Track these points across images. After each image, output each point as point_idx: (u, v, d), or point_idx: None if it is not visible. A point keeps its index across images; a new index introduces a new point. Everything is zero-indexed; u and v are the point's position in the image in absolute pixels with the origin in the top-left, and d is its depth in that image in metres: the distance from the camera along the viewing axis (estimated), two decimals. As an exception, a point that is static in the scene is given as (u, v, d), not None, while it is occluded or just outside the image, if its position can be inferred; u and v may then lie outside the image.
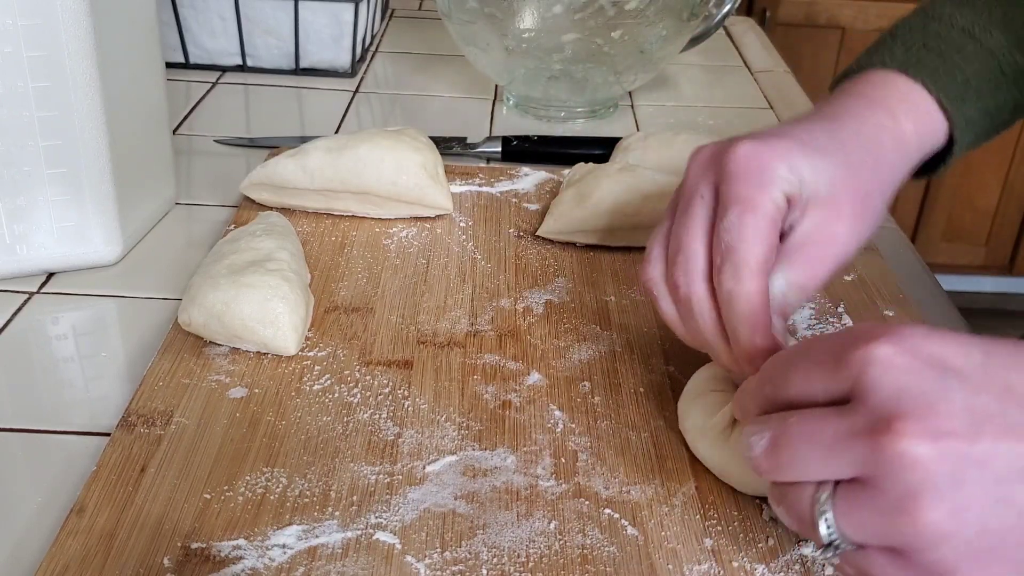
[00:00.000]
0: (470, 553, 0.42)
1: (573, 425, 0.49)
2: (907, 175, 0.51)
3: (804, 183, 0.45)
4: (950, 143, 0.53)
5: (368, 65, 1.02)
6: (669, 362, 0.54)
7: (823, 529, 0.35)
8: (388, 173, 0.65)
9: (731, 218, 0.44)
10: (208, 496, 0.44)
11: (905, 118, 0.50)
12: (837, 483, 0.35)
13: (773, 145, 0.45)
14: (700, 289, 0.45)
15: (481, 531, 0.43)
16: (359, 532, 0.42)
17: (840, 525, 0.35)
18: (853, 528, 0.35)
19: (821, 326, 0.58)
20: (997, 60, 0.53)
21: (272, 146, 0.80)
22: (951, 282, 2.46)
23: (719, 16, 0.92)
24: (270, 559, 0.41)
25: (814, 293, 0.46)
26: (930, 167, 0.54)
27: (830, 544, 0.35)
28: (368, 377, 0.52)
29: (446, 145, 0.80)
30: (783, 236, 0.46)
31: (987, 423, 0.33)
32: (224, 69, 0.96)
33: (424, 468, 0.46)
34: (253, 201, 0.69)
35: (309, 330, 0.55)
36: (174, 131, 0.83)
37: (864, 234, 0.47)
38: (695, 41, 0.92)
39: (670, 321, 0.48)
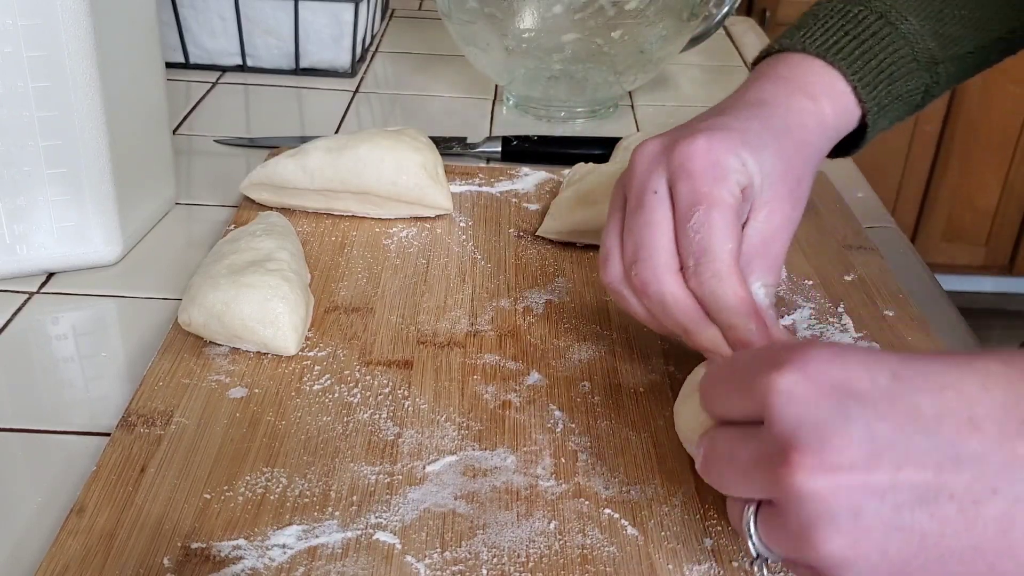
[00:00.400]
0: (470, 553, 0.42)
1: (573, 425, 0.49)
2: (825, 154, 0.53)
3: (752, 175, 0.47)
4: (863, 126, 0.55)
5: (368, 65, 1.02)
6: (669, 362, 0.54)
7: (750, 544, 0.36)
8: (388, 173, 0.65)
9: (699, 216, 0.45)
10: (208, 496, 0.44)
11: (825, 101, 0.52)
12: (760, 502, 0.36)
13: (722, 139, 0.47)
14: (671, 286, 0.47)
15: (481, 531, 0.43)
16: (359, 532, 0.42)
17: (765, 544, 0.36)
18: (773, 545, 0.36)
19: (821, 326, 0.58)
20: (911, 46, 0.54)
21: (272, 146, 0.80)
22: (951, 282, 2.46)
23: (719, 16, 0.92)
24: (270, 559, 0.41)
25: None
26: (843, 147, 0.56)
27: (758, 556, 0.36)
28: (368, 377, 0.52)
29: (446, 145, 0.80)
30: None
31: (887, 452, 0.32)
32: (224, 69, 0.96)
33: (424, 468, 0.46)
34: (253, 201, 0.69)
35: (309, 330, 0.55)
36: (174, 131, 0.83)
37: (799, 217, 0.50)
38: (695, 41, 0.92)
39: (640, 318, 0.49)
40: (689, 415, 0.47)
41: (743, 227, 0.48)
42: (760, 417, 0.35)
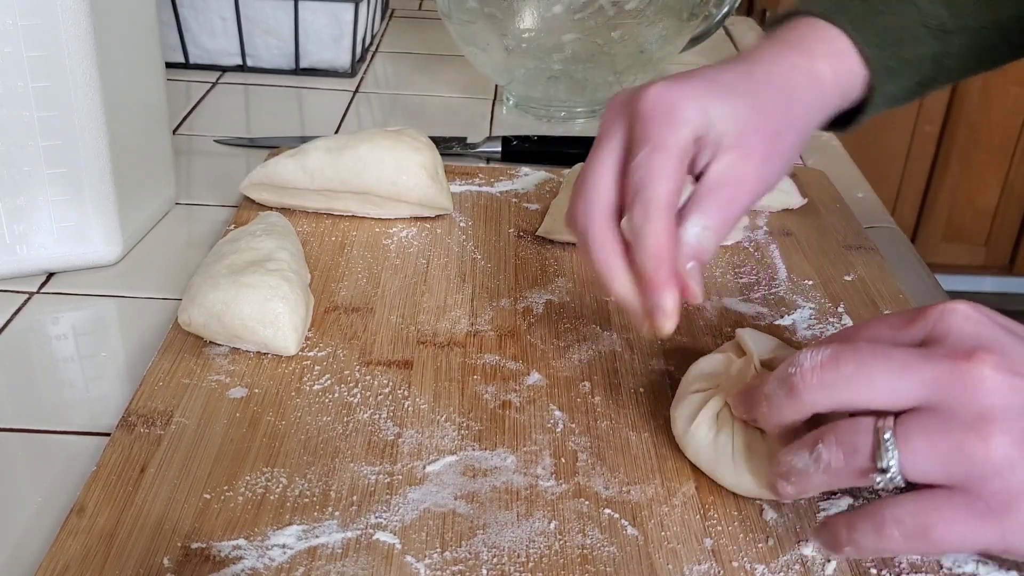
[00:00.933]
0: (470, 553, 0.42)
1: (573, 425, 0.49)
2: (825, 116, 0.52)
3: (712, 124, 0.46)
4: (870, 96, 0.53)
5: (368, 65, 1.02)
6: (669, 362, 0.54)
7: (886, 457, 0.36)
8: (388, 173, 0.65)
9: (640, 157, 0.45)
10: (208, 496, 0.44)
11: (822, 60, 0.51)
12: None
13: (683, 86, 0.46)
14: (596, 224, 0.46)
15: (481, 531, 0.43)
16: (359, 532, 0.42)
17: (903, 458, 0.36)
18: (918, 459, 0.36)
19: (821, 326, 0.58)
20: (920, 11, 0.53)
21: (272, 146, 0.80)
22: (951, 282, 2.46)
23: (719, 16, 0.92)
24: (270, 559, 0.41)
25: (727, 235, 0.48)
26: (852, 118, 0.55)
27: (884, 472, 0.36)
28: (368, 377, 0.52)
29: (446, 145, 0.80)
30: (697, 179, 0.47)
31: None
32: (224, 69, 0.96)
33: (424, 468, 0.46)
34: (253, 201, 0.69)
35: (309, 330, 0.55)
36: (174, 131, 0.83)
37: (775, 174, 0.49)
38: (695, 41, 0.92)
39: (586, 265, 0.49)
40: (685, 417, 0.47)
41: (703, 171, 0.47)
42: (918, 343, 0.38)
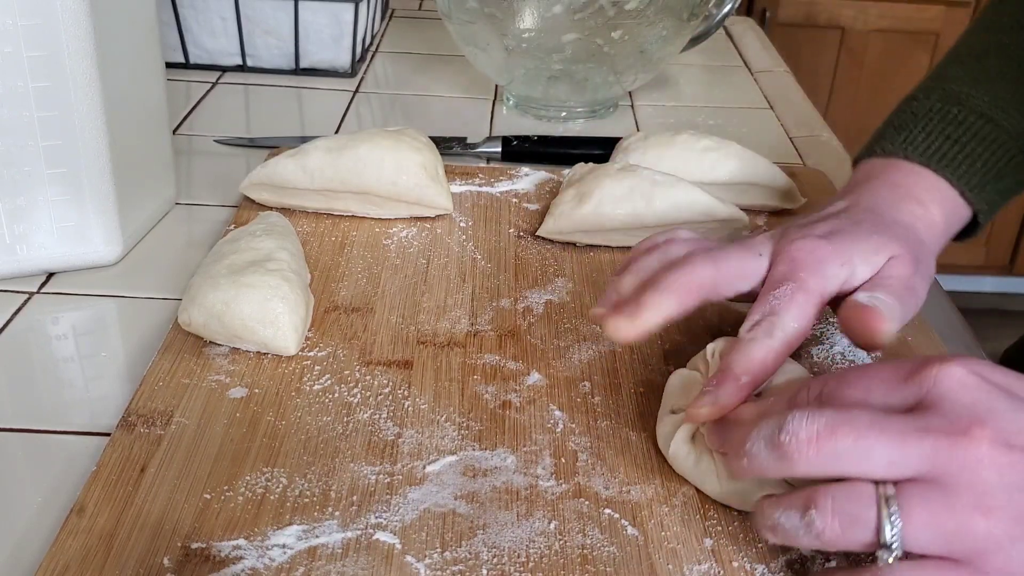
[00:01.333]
0: (470, 553, 0.42)
1: (573, 425, 0.49)
2: (941, 248, 0.55)
3: (856, 270, 0.48)
4: (975, 219, 0.57)
5: (368, 65, 1.02)
6: (669, 362, 0.54)
7: (889, 531, 0.35)
8: (388, 173, 0.65)
9: (785, 290, 0.47)
10: (208, 496, 0.44)
11: (934, 207, 0.54)
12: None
13: (831, 243, 0.49)
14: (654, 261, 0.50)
15: (481, 531, 0.43)
16: (359, 532, 0.42)
17: (906, 531, 0.35)
18: (921, 533, 0.35)
19: (821, 326, 0.58)
20: (1016, 140, 0.55)
21: (272, 146, 0.80)
22: (951, 282, 2.46)
23: (719, 16, 0.92)
24: (270, 559, 0.41)
25: (898, 319, 0.48)
26: (961, 236, 0.58)
27: (888, 551, 0.36)
28: (368, 377, 0.52)
29: (446, 145, 0.80)
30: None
31: None
32: (224, 69, 0.96)
33: (424, 468, 0.46)
34: (253, 201, 0.69)
35: (309, 330, 0.55)
36: (174, 131, 0.83)
37: (926, 287, 0.50)
38: (695, 41, 0.92)
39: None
40: (664, 436, 0.47)
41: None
42: (910, 406, 0.37)
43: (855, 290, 0.48)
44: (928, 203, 0.54)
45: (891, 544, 0.35)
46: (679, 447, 0.46)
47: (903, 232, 0.51)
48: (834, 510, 0.36)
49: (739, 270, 0.49)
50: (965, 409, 0.36)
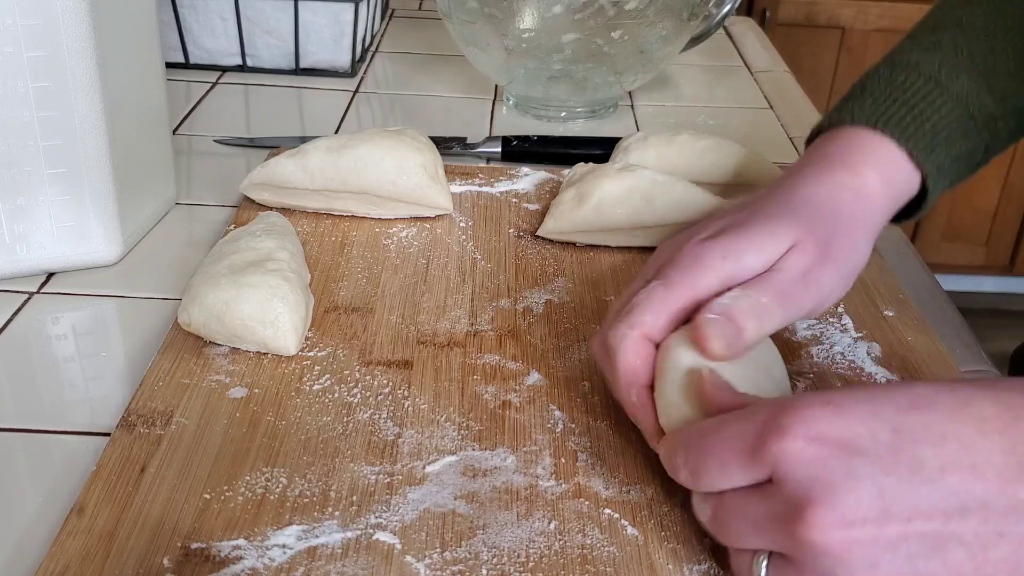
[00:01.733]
0: (470, 553, 0.42)
1: (573, 425, 0.49)
2: (880, 223, 0.52)
3: (742, 265, 0.46)
4: (924, 188, 0.54)
5: (368, 65, 1.02)
6: (669, 362, 0.54)
7: None
8: (388, 173, 0.65)
9: (648, 287, 0.46)
10: (208, 496, 0.44)
11: (870, 172, 0.51)
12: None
13: (715, 239, 0.47)
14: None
15: (481, 531, 0.43)
16: (359, 532, 0.42)
17: None
18: None
19: (821, 326, 0.58)
20: (965, 105, 0.53)
21: (272, 146, 0.80)
22: (951, 282, 2.46)
23: (719, 16, 0.92)
24: (270, 559, 0.41)
25: (771, 322, 0.46)
26: (912, 210, 0.55)
27: None
28: (368, 377, 0.52)
29: (446, 145, 0.80)
30: None
31: (895, 505, 0.34)
32: (224, 69, 0.96)
33: (424, 468, 0.46)
34: (253, 201, 0.69)
35: (309, 330, 0.55)
36: (174, 131, 0.83)
37: (838, 274, 0.48)
38: (695, 41, 0.92)
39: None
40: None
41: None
42: (766, 479, 0.37)
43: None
44: (862, 169, 0.51)
45: None
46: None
47: (811, 212, 0.48)
48: (737, 569, 0.39)
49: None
50: (801, 490, 0.35)
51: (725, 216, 0.50)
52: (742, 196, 0.70)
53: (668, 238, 0.66)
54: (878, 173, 0.51)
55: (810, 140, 0.57)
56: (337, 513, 0.43)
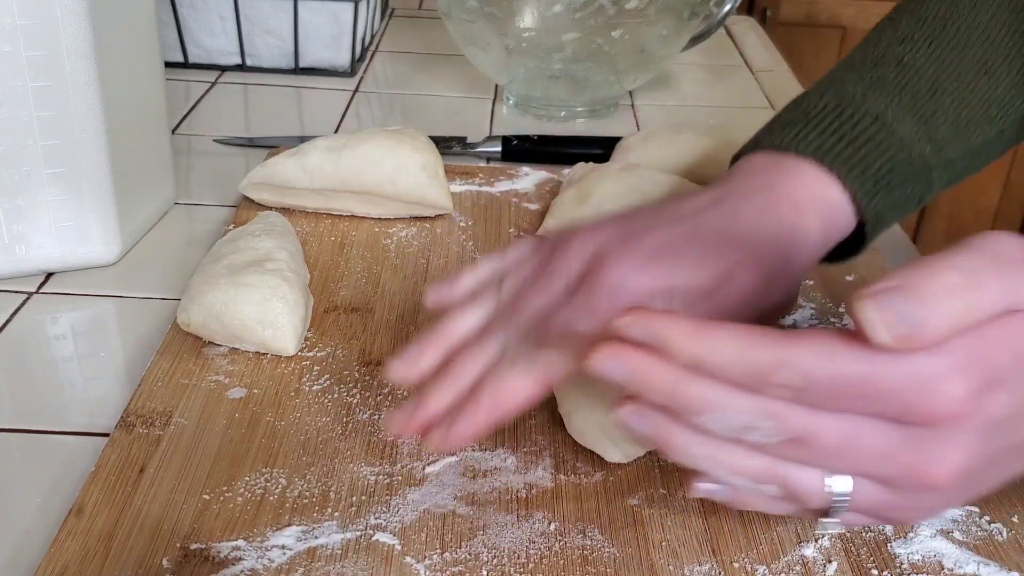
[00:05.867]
0: (470, 554, 0.41)
1: (573, 425, 0.49)
2: (809, 267, 0.49)
3: (676, 292, 0.43)
4: (860, 231, 0.51)
5: (368, 65, 1.02)
6: (669, 362, 0.54)
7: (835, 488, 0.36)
8: (388, 173, 0.65)
9: (572, 313, 0.42)
10: (207, 497, 0.44)
11: (811, 215, 0.48)
12: None
13: (644, 270, 0.43)
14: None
15: (481, 532, 0.43)
16: (359, 533, 0.42)
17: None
18: (877, 462, 0.36)
19: (822, 325, 0.58)
20: (908, 151, 0.51)
21: (272, 146, 0.80)
22: (951, 282, 2.45)
23: (720, 15, 0.92)
24: (269, 560, 0.41)
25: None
26: (841, 253, 0.53)
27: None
28: (368, 377, 0.52)
29: (446, 145, 0.80)
30: None
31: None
32: (223, 69, 0.96)
33: (424, 469, 0.46)
34: (252, 201, 0.68)
35: (308, 330, 0.55)
36: (173, 131, 0.83)
37: (773, 313, 0.46)
38: (695, 40, 0.92)
39: None
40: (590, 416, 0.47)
41: None
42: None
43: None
44: (805, 210, 0.48)
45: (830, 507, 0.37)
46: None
47: (753, 246, 0.45)
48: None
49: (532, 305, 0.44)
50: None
51: (660, 221, 0.46)
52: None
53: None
54: (820, 217, 0.48)
55: (741, 154, 0.53)
56: (337, 514, 0.43)
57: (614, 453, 0.46)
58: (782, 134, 0.51)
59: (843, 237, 0.51)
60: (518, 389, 0.41)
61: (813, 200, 0.49)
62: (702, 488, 0.38)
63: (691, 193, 0.49)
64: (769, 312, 0.47)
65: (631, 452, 0.46)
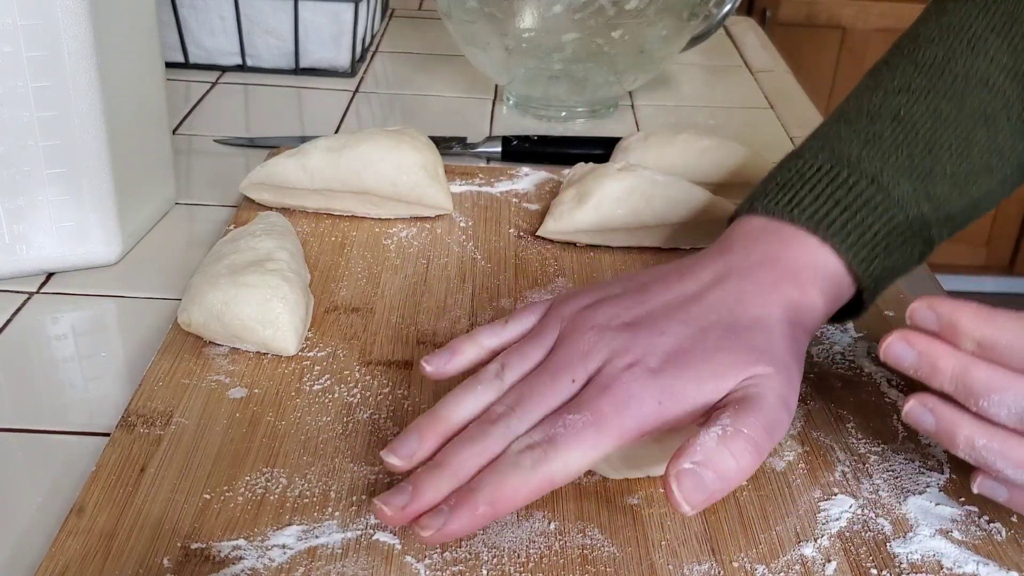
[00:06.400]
0: (470, 553, 0.42)
1: (573, 425, 0.49)
2: (810, 338, 0.49)
3: (681, 410, 0.43)
4: (857, 299, 0.51)
5: (368, 65, 1.02)
6: (669, 362, 0.54)
7: None
8: (388, 173, 0.65)
9: (578, 419, 0.42)
10: (208, 496, 0.44)
11: (813, 289, 0.48)
12: None
13: (655, 376, 0.43)
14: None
15: (481, 531, 0.43)
16: (359, 532, 0.42)
17: None
18: None
19: (821, 326, 0.58)
20: (905, 213, 0.50)
21: (272, 146, 0.80)
22: (951, 282, 2.46)
23: (719, 16, 0.92)
24: (270, 559, 0.41)
25: (764, 455, 0.42)
26: (841, 316, 0.53)
27: None
28: (368, 377, 0.52)
29: (446, 145, 0.80)
30: None
31: None
32: (224, 69, 0.96)
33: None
34: (253, 201, 0.69)
35: (309, 330, 0.55)
36: (174, 131, 0.83)
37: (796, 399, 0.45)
38: (695, 41, 0.92)
39: None
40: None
41: None
42: None
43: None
44: (807, 282, 0.48)
45: None
46: None
47: (765, 339, 0.45)
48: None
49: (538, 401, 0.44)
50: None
51: (667, 312, 0.46)
52: (741, 196, 0.70)
53: (664, 239, 0.65)
54: (822, 291, 0.48)
55: (739, 213, 0.53)
56: (337, 513, 0.43)
57: (610, 473, 0.46)
58: (777, 198, 0.51)
59: (842, 304, 0.50)
60: (518, 491, 0.40)
61: (814, 269, 0.48)
62: (985, 484, 0.40)
63: (692, 264, 0.49)
64: (794, 374, 0.46)
65: (628, 474, 0.46)
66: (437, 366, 0.48)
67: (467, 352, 0.48)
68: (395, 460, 0.43)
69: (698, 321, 0.45)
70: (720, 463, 0.40)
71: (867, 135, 0.52)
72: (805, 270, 0.48)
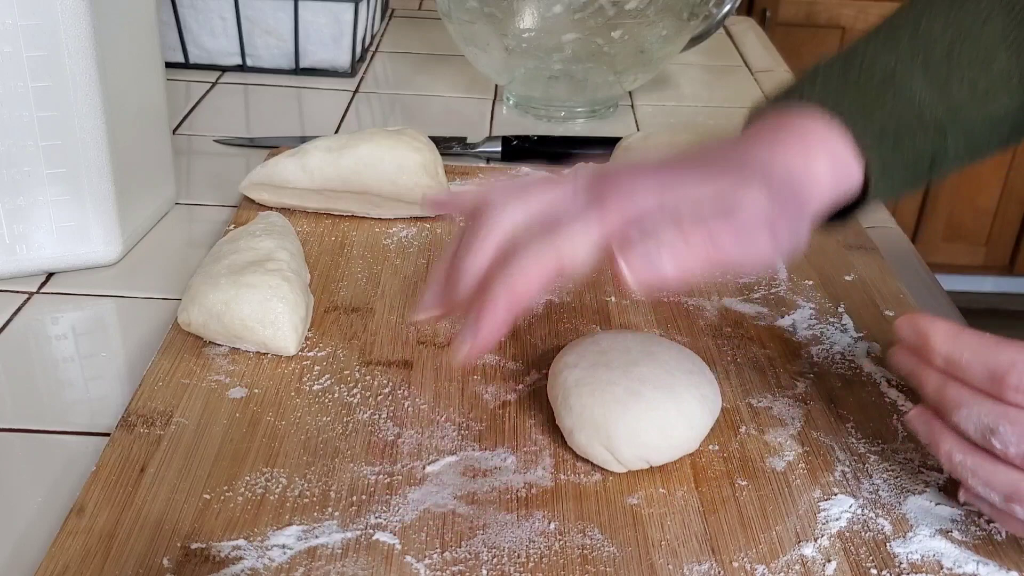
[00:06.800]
0: (470, 553, 0.42)
1: (573, 425, 0.49)
2: (821, 212, 0.48)
3: (686, 200, 0.44)
4: (865, 187, 0.50)
5: (368, 65, 1.02)
6: (669, 362, 0.54)
7: None
8: (388, 173, 0.65)
9: (580, 202, 0.45)
10: (208, 496, 0.44)
11: (822, 158, 0.48)
12: None
13: (656, 169, 0.45)
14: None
15: (481, 531, 0.43)
16: (359, 532, 0.42)
17: None
18: None
19: (821, 326, 0.58)
20: (917, 108, 0.50)
21: (272, 146, 0.80)
22: (951, 282, 2.46)
23: (719, 16, 0.92)
24: (270, 559, 0.41)
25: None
26: (845, 212, 0.52)
27: None
28: (368, 377, 0.52)
29: (446, 145, 0.80)
30: None
31: None
32: (224, 69, 0.96)
33: (424, 468, 0.46)
34: (253, 201, 0.69)
35: (309, 330, 0.55)
36: (174, 131, 0.83)
37: (789, 241, 0.45)
38: (695, 41, 0.92)
39: None
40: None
41: None
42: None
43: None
44: (814, 154, 0.47)
45: None
46: None
47: (765, 176, 0.45)
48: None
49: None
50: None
51: (667, 168, 0.47)
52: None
53: None
54: (828, 161, 0.48)
55: (751, 118, 0.52)
56: (337, 513, 0.43)
57: (615, 466, 0.46)
58: (787, 94, 0.52)
59: (853, 187, 0.50)
60: (532, 273, 0.41)
61: (822, 144, 0.48)
62: (968, 496, 0.42)
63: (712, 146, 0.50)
64: (790, 249, 0.46)
65: (633, 465, 0.46)
66: (438, 200, 0.52)
67: (467, 194, 0.50)
68: (422, 314, 0.46)
69: (700, 156, 0.47)
70: (674, 245, 0.41)
71: (885, 42, 0.53)
72: (813, 143, 0.48)
